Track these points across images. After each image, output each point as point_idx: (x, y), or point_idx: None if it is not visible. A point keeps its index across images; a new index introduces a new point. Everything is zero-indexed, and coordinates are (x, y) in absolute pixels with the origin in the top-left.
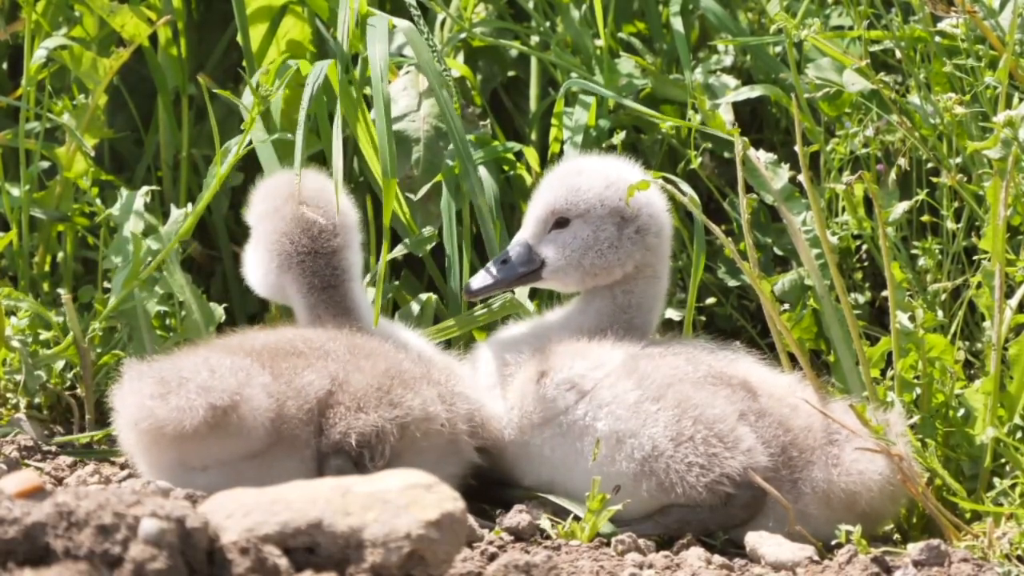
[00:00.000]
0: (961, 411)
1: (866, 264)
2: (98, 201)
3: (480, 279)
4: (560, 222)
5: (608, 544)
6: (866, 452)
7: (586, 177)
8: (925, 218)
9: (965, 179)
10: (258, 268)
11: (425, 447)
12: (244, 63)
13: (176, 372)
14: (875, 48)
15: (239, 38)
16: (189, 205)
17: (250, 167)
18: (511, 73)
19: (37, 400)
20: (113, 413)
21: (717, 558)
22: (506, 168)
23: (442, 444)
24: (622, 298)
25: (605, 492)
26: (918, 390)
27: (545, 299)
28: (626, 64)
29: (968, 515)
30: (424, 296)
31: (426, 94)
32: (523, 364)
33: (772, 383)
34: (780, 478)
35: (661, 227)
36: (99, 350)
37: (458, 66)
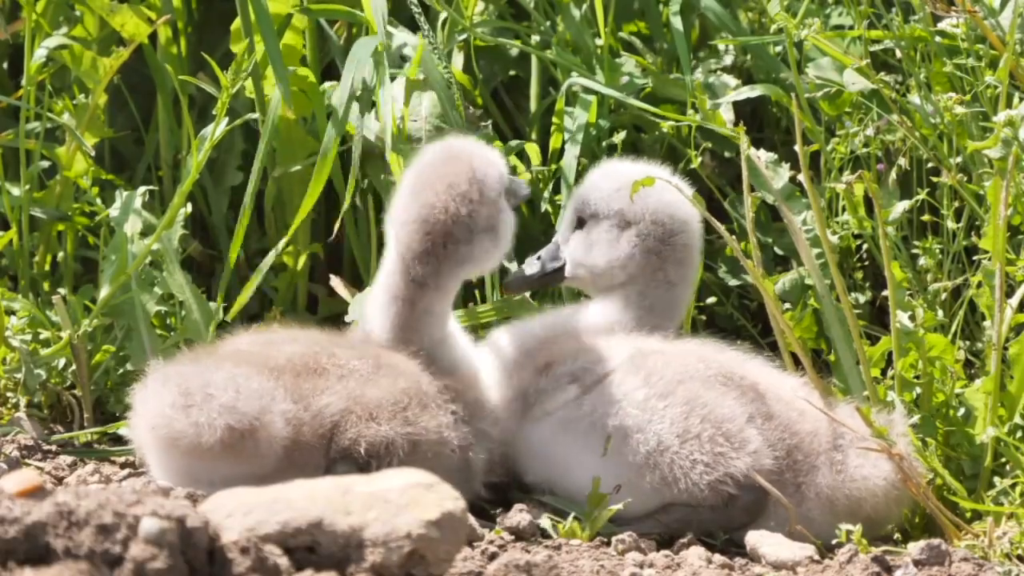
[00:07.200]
0: (961, 411)
1: (866, 264)
2: (98, 201)
3: (515, 274)
4: (578, 222)
5: (609, 543)
6: (870, 458)
7: (599, 178)
8: (925, 218)
9: (965, 179)
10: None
11: (434, 469)
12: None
13: (202, 385)
14: (875, 48)
15: (232, 46)
16: (189, 205)
17: (249, 166)
18: (512, 72)
19: (37, 399)
20: (132, 411)
21: (717, 557)
22: None
23: (451, 468)
24: (636, 299)
25: (606, 490)
26: (918, 390)
27: (549, 298)
28: (627, 63)
29: (968, 514)
30: None
31: (427, 93)
32: (528, 356)
33: (780, 385)
34: (784, 481)
35: (671, 233)
36: (90, 348)
37: (458, 73)
